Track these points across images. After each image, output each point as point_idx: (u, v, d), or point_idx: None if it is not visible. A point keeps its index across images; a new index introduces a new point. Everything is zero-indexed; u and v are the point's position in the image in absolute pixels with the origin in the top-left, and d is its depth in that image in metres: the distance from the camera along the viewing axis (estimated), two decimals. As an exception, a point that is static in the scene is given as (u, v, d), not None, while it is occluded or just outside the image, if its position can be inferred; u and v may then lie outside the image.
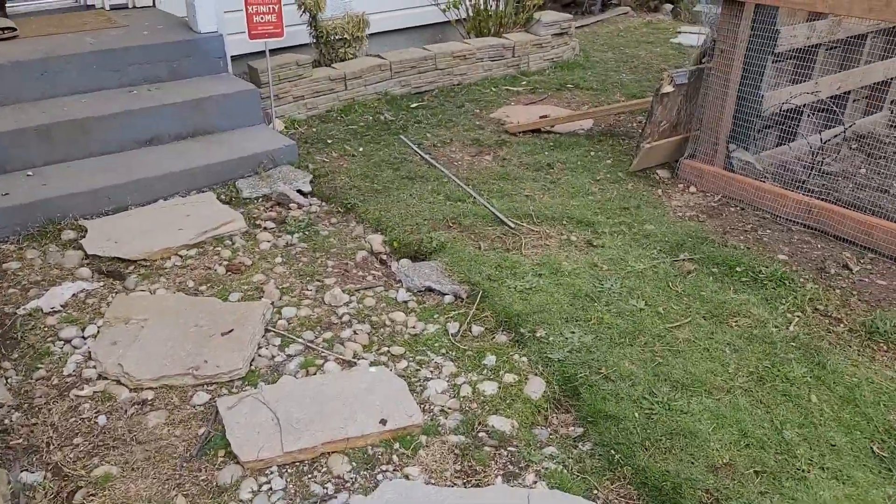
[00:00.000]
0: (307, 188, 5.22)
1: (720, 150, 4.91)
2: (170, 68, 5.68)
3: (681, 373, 3.19)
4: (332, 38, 6.91)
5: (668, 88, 4.82)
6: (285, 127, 6.18)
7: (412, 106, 6.70)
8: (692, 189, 4.94)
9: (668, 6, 11.28)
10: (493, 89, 7.23)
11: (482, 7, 7.96)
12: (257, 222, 4.72)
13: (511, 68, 7.76)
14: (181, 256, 4.29)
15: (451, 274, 4.01)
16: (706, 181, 4.91)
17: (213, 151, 5.21)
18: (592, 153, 5.54)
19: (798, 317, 3.62)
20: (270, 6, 5.72)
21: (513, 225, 4.48)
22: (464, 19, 8.16)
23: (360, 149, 5.77)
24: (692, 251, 4.16)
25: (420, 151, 5.64)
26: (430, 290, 3.96)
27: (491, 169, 5.35)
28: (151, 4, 6.74)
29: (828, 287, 3.86)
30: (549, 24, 7.94)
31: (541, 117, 5.95)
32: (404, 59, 6.96)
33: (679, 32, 9.60)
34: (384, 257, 4.44)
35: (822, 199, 4.45)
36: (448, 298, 3.89)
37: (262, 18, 5.73)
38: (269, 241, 4.50)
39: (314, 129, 6.17)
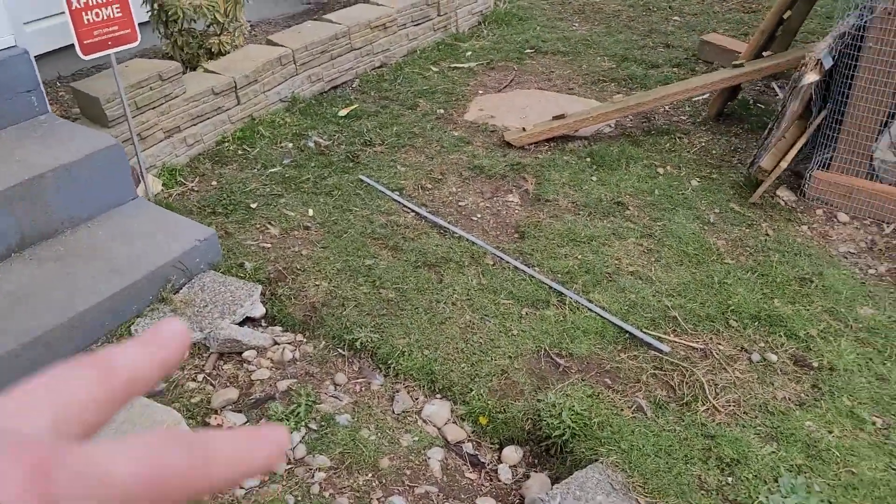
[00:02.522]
0: (258, 311, 3.05)
1: (868, 155, 3.40)
2: (-61, 126, 3.11)
3: None
4: (189, 23, 4.46)
5: (813, 77, 3.16)
6: (163, 185, 3.81)
7: (342, 115, 4.52)
8: (841, 217, 3.41)
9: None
10: (434, 69, 5.19)
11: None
12: (207, 419, 2.55)
13: (439, 32, 5.71)
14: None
15: (646, 494, 2.20)
16: (859, 203, 3.40)
17: (72, 279, 2.84)
18: (661, 170, 3.81)
19: None
20: (111, -8, 3.28)
21: (666, 348, 2.70)
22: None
23: (310, 211, 3.60)
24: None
25: (411, 205, 3.59)
26: (625, 541, 2.14)
27: (537, 222, 3.46)
28: None
29: None
30: (473, -35, 5.93)
31: (554, 118, 4.09)
32: (309, 42, 4.69)
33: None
34: (471, 449, 2.51)
35: None
36: (666, 553, 2.10)
37: (97, 15, 3.28)
38: (257, 478, 2.38)
39: (214, 184, 3.86)
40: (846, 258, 3.16)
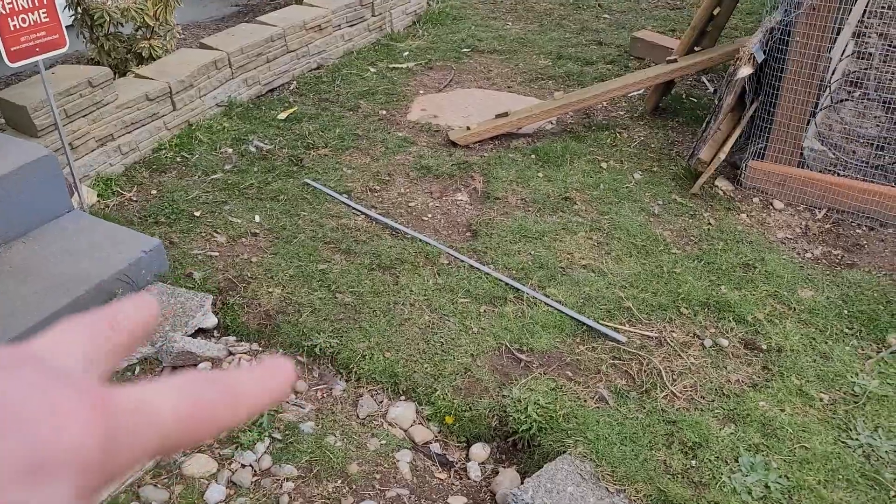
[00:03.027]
0: (211, 321, 2.97)
1: (798, 144, 3.57)
2: None
3: None
4: (116, 27, 4.31)
5: (747, 71, 3.29)
6: (98, 196, 3.67)
7: (282, 118, 4.45)
8: (777, 204, 3.56)
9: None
10: (372, 69, 5.16)
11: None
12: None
13: (374, 32, 5.68)
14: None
15: (615, 481, 2.24)
16: (792, 190, 3.56)
17: (11, 297, 2.71)
18: (604, 165, 3.90)
19: None
20: (37, -5, 3.13)
21: (623, 338, 2.76)
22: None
23: (256, 218, 3.53)
24: (899, 324, 2.82)
25: (361, 208, 3.57)
26: (597, 528, 2.17)
27: (488, 220, 3.48)
28: None
29: None
30: (406, -35, 5.92)
31: (497, 116, 4.13)
32: (244, 45, 4.59)
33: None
34: (438, 449, 2.52)
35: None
36: (637, 538, 2.15)
37: (23, 21, 3.13)
38: (222, 492, 2.32)
39: (154, 192, 3.73)
40: (784, 243, 3.30)
